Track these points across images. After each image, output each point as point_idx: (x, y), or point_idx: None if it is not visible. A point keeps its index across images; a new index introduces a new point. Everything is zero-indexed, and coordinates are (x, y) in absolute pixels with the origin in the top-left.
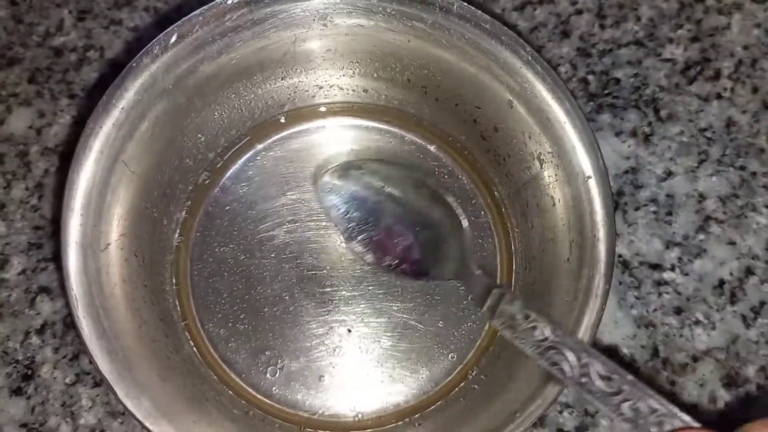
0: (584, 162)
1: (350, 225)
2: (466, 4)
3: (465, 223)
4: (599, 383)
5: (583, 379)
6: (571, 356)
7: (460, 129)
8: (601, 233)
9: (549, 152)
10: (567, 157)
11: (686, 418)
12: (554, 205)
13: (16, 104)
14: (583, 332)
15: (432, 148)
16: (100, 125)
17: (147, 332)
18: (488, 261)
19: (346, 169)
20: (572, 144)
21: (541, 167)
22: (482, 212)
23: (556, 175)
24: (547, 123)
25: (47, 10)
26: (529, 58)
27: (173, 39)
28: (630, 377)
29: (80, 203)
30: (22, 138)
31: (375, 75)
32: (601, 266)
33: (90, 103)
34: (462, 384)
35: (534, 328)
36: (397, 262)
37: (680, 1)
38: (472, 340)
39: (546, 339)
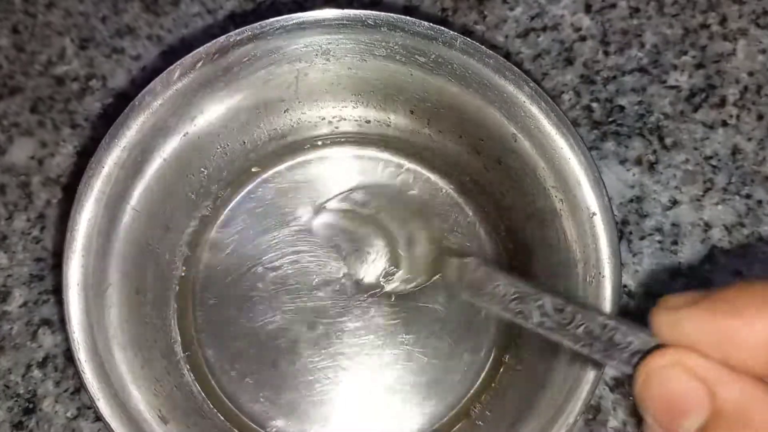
0: (589, 197)
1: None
2: (469, 39)
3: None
4: (555, 317)
5: (544, 319)
6: (530, 304)
7: (464, 161)
8: (606, 270)
9: (553, 186)
10: (572, 192)
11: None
12: (558, 241)
13: (18, 134)
14: (588, 373)
15: (434, 178)
16: (102, 165)
17: (150, 372)
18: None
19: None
20: (577, 179)
21: (545, 202)
22: (486, 244)
23: (560, 210)
24: (551, 158)
25: (49, 39)
26: (533, 93)
27: (176, 76)
28: (577, 305)
29: (81, 244)
30: (24, 168)
31: (378, 107)
32: (607, 303)
33: (93, 133)
34: (466, 420)
35: (496, 286)
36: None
37: (684, 28)
38: (477, 373)
39: (507, 294)
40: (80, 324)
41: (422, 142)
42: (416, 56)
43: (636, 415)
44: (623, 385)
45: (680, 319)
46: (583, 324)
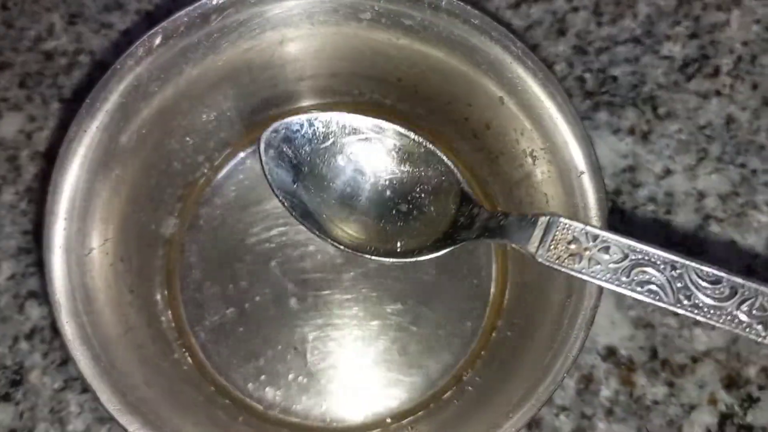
0: (577, 157)
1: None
2: (455, 0)
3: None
4: (703, 297)
5: (683, 297)
6: (656, 273)
7: (452, 127)
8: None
9: (541, 148)
10: (559, 153)
11: None
12: (547, 201)
13: (6, 109)
14: (574, 336)
15: (424, 143)
16: (84, 129)
17: (133, 338)
18: (482, 261)
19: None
20: (564, 139)
21: (534, 164)
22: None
23: (549, 171)
24: (538, 119)
25: (38, 15)
26: (520, 53)
27: (158, 41)
28: (736, 278)
29: (64, 207)
30: (12, 142)
31: (365, 74)
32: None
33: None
34: (456, 386)
35: (606, 248)
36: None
37: None
38: (467, 342)
39: (626, 257)
40: (62, 285)
41: (411, 109)
42: (402, 19)
43: (628, 383)
44: (615, 354)
45: None
46: (748, 300)
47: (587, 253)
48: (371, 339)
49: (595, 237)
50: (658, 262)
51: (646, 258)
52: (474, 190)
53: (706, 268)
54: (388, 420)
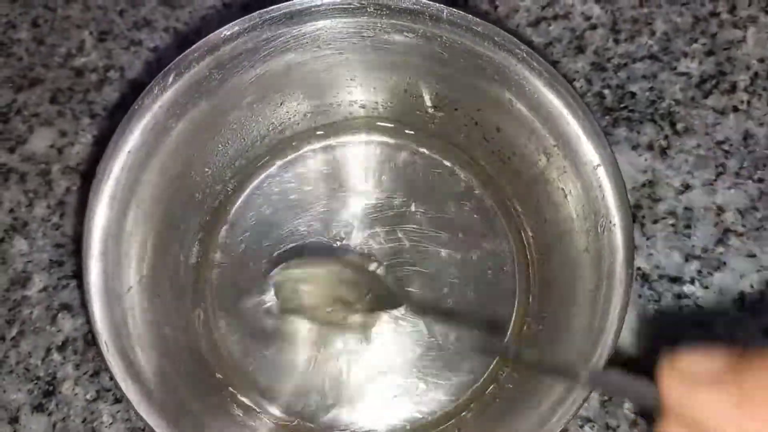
0: (590, 151)
1: None
2: (455, 9)
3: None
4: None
5: None
6: None
7: (463, 133)
8: (616, 219)
9: (554, 145)
10: (572, 148)
11: None
12: (566, 197)
13: (38, 124)
14: (610, 322)
15: (437, 156)
16: (109, 171)
17: (174, 371)
18: (504, 260)
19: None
20: (576, 134)
21: (548, 161)
22: (493, 213)
23: (564, 167)
24: (548, 117)
25: (68, 32)
26: (524, 55)
27: (171, 78)
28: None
29: (98, 250)
30: (44, 157)
31: (373, 89)
32: (620, 252)
33: (111, 123)
34: (495, 384)
35: None
36: None
37: (694, 16)
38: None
39: None
40: (105, 326)
41: (420, 120)
42: (405, 33)
43: None
44: (638, 365)
45: (696, 396)
46: None
47: None
48: (402, 349)
49: None
50: None
51: None
52: (489, 193)
53: None
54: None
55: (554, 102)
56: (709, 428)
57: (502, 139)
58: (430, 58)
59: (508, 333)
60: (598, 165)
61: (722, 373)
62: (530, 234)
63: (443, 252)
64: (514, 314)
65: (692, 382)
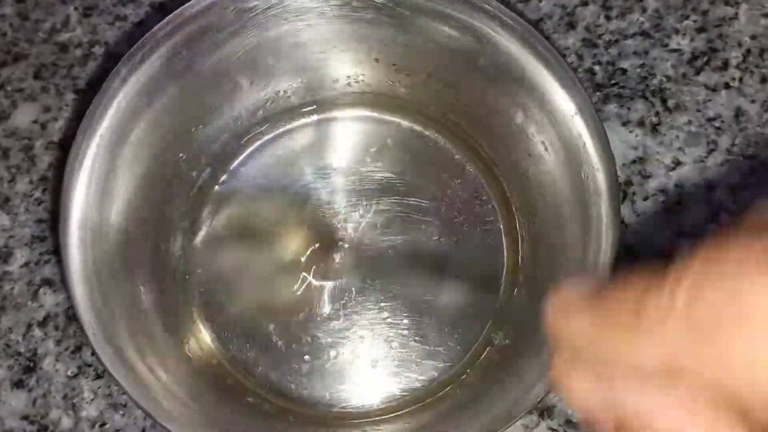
0: (564, 99)
1: None
2: None
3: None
4: None
5: None
6: None
7: (436, 98)
8: (599, 164)
9: (529, 100)
10: (548, 99)
11: None
12: (546, 149)
13: (22, 99)
14: (602, 260)
15: (412, 123)
16: (82, 155)
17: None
18: (490, 221)
19: None
20: (551, 85)
21: (525, 116)
22: (474, 176)
23: (540, 120)
24: (521, 71)
25: (53, 7)
26: (496, 12)
27: (139, 57)
28: None
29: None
30: (27, 132)
31: (348, 61)
32: (604, 194)
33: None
34: (488, 347)
35: None
36: None
37: None
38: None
39: None
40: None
41: (394, 90)
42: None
43: None
44: None
45: (568, 323)
46: None
47: None
48: (389, 326)
49: None
50: None
51: None
52: (470, 157)
53: None
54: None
55: (525, 55)
56: (577, 349)
57: (475, 99)
58: (399, 26)
59: (501, 289)
60: (576, 113)
61: (592, 297)
62: (514, 191)
63: (428, 219)
64: (504, 271)
65: (567, 308)
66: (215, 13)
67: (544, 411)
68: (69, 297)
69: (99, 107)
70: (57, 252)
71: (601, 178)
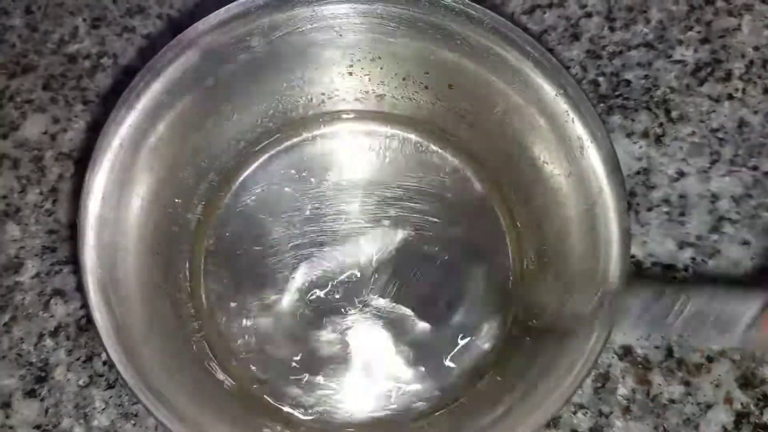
0: (546, 82)
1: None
2: None
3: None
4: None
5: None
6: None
7: (418, 97)
8: (589, 140)
9: (510, 85)
10: (528, 82)
11: None
12: (533, 129)
13: (31, 110)
14: (613, 234)
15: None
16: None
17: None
18: (489, 213)
19: None
20: (531, 70)
21: (508, 103)
22: (464, 173)
23: (524, 103)
24: (499, 62)
25: (61, 18)
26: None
27: (157, 70)
28: None
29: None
30: (37, 143)
31: (362, 74)
32: (600, 169)
33: (104, 109)
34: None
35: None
36: None
37: (690, 4)
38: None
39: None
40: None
41: (370, 99)
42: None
43: (644, 382)
44: (631, 353)
45: None
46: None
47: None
48: (394, 335)
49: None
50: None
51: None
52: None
53: None
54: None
55: (501, 44)
56: None
57: (458, 94)
58: (380, 31)
59: (510, 279)
60: (559, 92)
61: None
62: (508, 182)
63: (429, 218)
64: (511, 261)
65: None
66: (257, 15)
67: (551, 421)
68: (81, 307)
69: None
70: (68, 262)
71: (594, 154)
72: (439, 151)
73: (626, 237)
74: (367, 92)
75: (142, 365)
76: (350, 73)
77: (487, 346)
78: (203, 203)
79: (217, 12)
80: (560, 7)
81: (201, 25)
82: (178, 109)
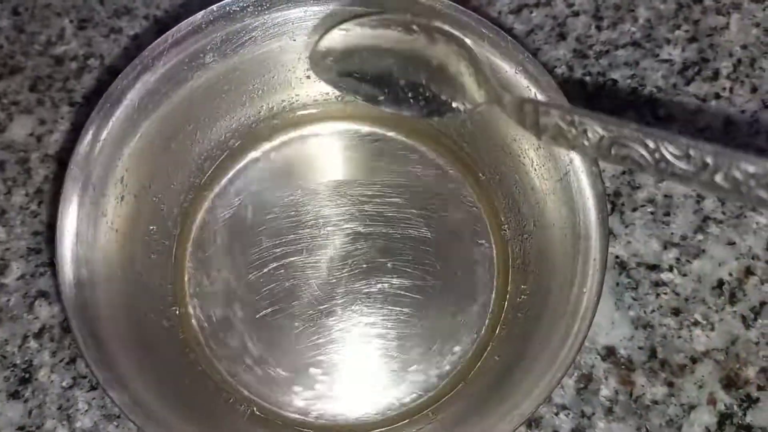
0: (504, 62)
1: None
2: None
3: (474, 48)
4: (679, 164)
5: (661, 164)
6: (636, 146)
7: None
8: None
9: (482, 79)
10: (500, 74)
11: None
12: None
13: (17, 112)
14: (594, 240)
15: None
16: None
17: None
18: (475, 222)
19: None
20: (489, 51)
21: (486, 98)
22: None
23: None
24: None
25: (48, 20)
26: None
27: (136, 72)
28: (710, 147)
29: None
30: (23, 145)
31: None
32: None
33: (90, 111)
34: (483, 357)
35: (585, 130)
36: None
37: (678, 2)
38: (482, 316)
39: (602, 137)
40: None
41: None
42: None
43: (627, 383)
44: (614, 354)
45: None
46: (721, 170)
47: (571, 134)
48: (383, 334)
49: (572, 121)
50: (633, 138)
51: (622, 135)
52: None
53: (680, 139)
54: (408, 409)
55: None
56: None
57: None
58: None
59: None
60: (517, 71)
61: None
62: (480, 164)
63: (406, 211)
64: (494, 286)
65: None
66: (209, 31)
67: (533, 422)
68: (63, 309)
69: (108, 101)
70: (52, 265)
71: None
72: (408, 142)
73: (602, 199)
74: (327, 93)
75: (136, 393)
76: (308, 77)
77: (475, 335)
78: (177, 231)
79: (167, 33)
80: (547, 6)
81: (157, 47)
82: (140, 135)
